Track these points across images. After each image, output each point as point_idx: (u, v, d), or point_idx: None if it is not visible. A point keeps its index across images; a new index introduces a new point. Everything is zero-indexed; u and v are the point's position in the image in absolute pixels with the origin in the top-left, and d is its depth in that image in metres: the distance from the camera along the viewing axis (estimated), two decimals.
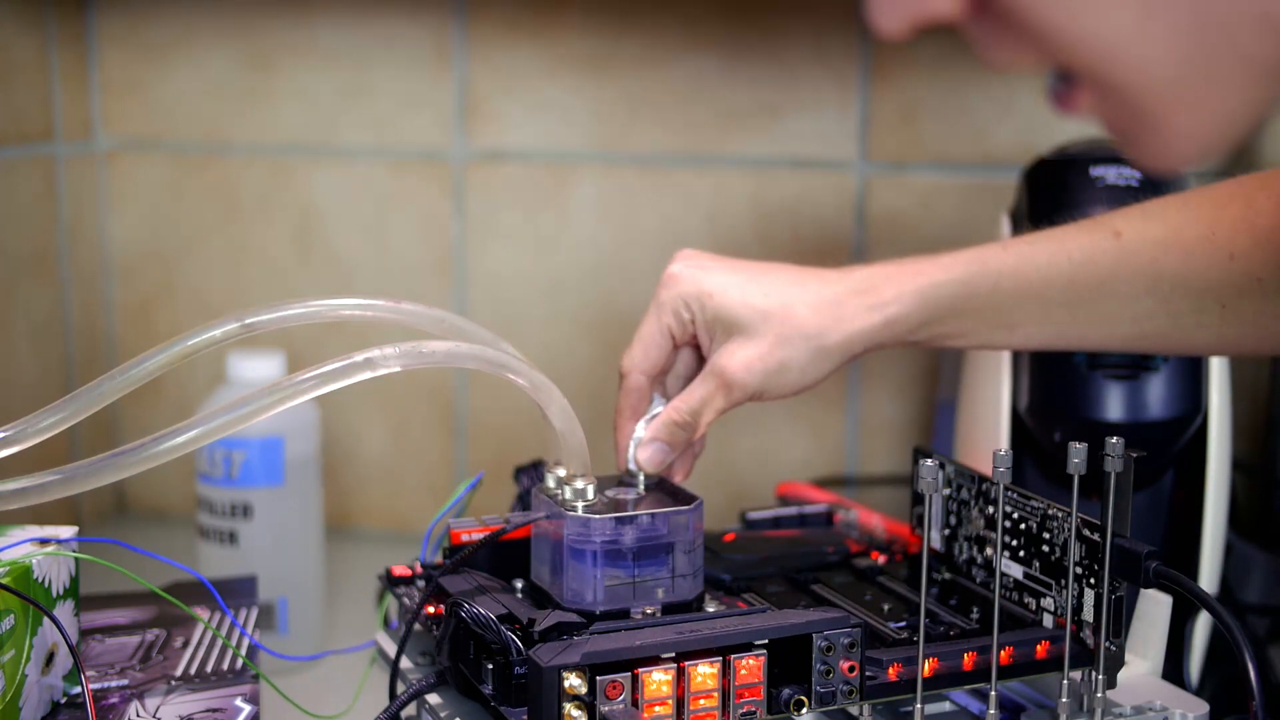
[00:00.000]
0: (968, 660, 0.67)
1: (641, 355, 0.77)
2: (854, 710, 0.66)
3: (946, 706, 0.71)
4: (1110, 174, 0.89)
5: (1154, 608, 0.72)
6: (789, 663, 0.64)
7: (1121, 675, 0.68)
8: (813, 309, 0.74)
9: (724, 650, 0.62)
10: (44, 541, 0.70)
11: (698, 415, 0.75)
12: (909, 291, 0.74)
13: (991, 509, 0.75)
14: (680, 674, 0.62)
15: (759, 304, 0.74)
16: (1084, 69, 0.46)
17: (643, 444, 0.76)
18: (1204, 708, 0.69)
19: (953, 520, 0.78)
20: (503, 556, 0.73)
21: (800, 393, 0.76)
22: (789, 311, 0.74)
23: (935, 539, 0.80)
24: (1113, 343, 0.77)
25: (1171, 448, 0.87)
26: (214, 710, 0.70)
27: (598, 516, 0.68)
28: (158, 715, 0.69)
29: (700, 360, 0.79)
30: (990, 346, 0.79)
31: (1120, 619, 0.67)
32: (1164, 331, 0.75)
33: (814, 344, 0.74)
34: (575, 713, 0.60)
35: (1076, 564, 0.68)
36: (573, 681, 0.59)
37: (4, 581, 0.65)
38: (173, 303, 1.25)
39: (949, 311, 0.75)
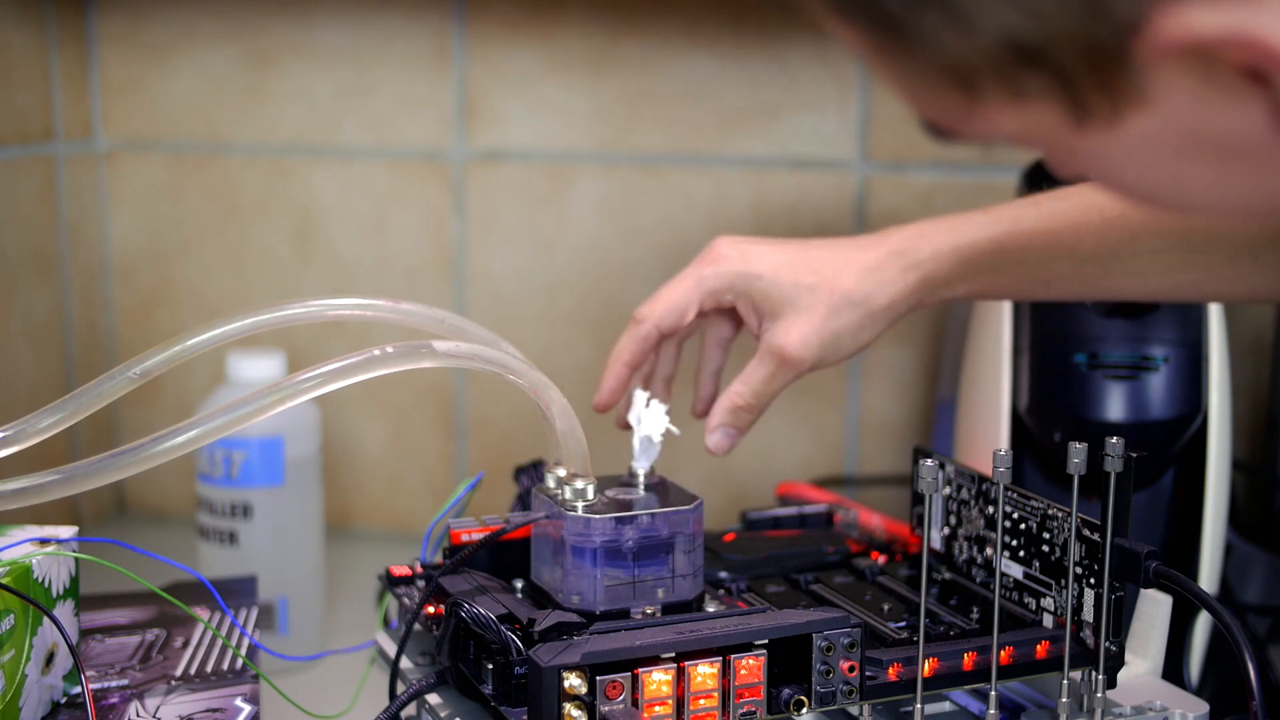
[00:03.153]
0: (968, 660, 0.67)
1: (664, 313, 0.79)
2: (854, 710, 0.66)
3: (946, 706, 0.71)
4: None
5: (1154, 608, 0.72)
6: (789, 663, 0.64)
7: (1121, 675, 0.68)
8: (857, 276, 0.76)
9: (724, 650, 0.62)
10: (44, 541, 0.69)
11: (761, 396, 0.77)
12: (945, 251, 0.76)
13: (991, 509, 0.75)
14: (680, 674, 0.62)
15: (806, 280, 0.76)
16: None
17: (709, 430, 0.77)
18: (1204, 708, 0.69)
19: (953, 520, 0.78)
20: (503, 556, 0.73)
21: (853, 356, 0.78)
22: (835, 282, 0.76)
23: (935, 539, 0.80)
24: (1146, 294, 0.78)
25: (1171, 448, 0.87)
26: (214, 710, 0.70)
27: (598, 516, 0.68)
28: (158, 715, 0.69)
29: (728, 326, 0.82)
30: (1027, 299, 0.82)
31: (1120, 619, 0.67)
32: (1197, 282, 0.76)
33: (861, 309, 0.76)
34: (575, 713, 0.60)
35: (1076, 564, 0.68)
36: (573, 681, 0.59)
37: (4, 581, 0.65)
38: (173, 303, 1.25)
39: (984, 268, 0.77)
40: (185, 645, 0.77)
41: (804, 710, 0.64)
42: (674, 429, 0.76)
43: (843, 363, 0.78)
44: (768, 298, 0.77)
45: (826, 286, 0.76)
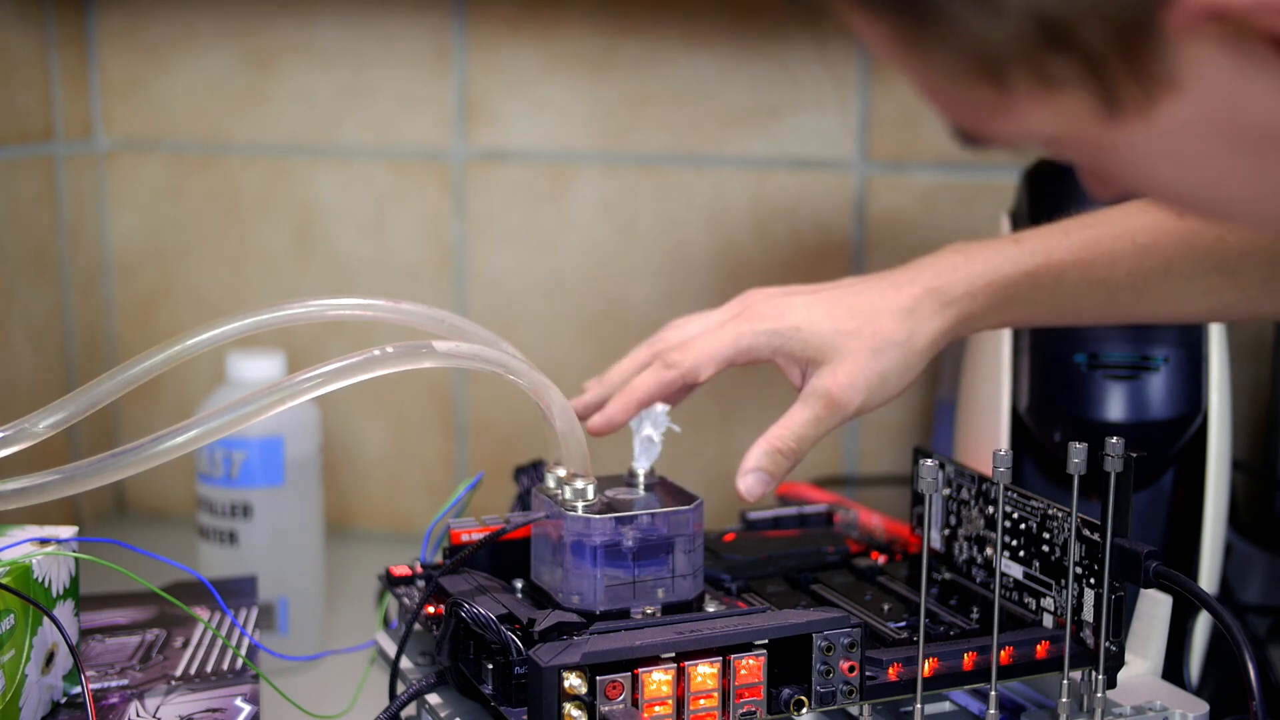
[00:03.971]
0: (968, 660, 0.67)
1: (695, 365, 0.77)
2: (854, 710, 0.66)
3: (946, 706, 0.71)
4: None
5: (1154, 608, 0.72)
6: (789, 663, 0.64)
7: (1121, 675, 0.68)
8: (896, 319, 0.76)
9: (724, 650, 0.62)
10: (44, 541, 0.69)
11: (803, 441, 0.76)
12: (979, 286, 0.76)
13: (991, 509, 0.75)
14: (680, 674, 0.62)
15: (846, 325, 0.76)
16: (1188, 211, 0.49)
17: (742, 473, 0.75)
18: (1204, 708, 0.69)
19: (953, 520, 0.78)
20: (503, 556, 0.73)
21: (897, 398, 0.77)
22: (876, 325, 0.76)
23: (935, 539, 0.80)
24: (1179, 318, 0.78)
25: (1171, 448, 0.87)
26: (214, 710, 0.70)
27: (598, 516, 0.68)
28: (158, 715, 0.69)
29: None
30: (1060, 326, 0.81)
31: (1120, 619, 0.67)
32: (1231, 303, 0.76)
33: (904, 349, 0.76)
34: (575, 713, 0.60)
35: (1076, 564, 0.68)
36: (573, 681, 0.59)
37: (4, 581, 0.65)
38: (173, 303, 1.25)
39: (1017, 301, 0.76)
40: (185, 645, 0.77)
41: (804, 710, 0.64)
42: (675, 427, 0.76)
43: (889, 403, 0.77)
44: (808, 347, 0.76)
45: (868, 330, 0.76)
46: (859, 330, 0.76)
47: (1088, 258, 0.75)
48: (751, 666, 0.63)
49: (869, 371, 0.75)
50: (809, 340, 0.76)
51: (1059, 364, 0.88)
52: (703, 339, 0.78)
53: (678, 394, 0.80)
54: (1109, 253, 0.75)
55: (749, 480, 0.75)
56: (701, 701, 0.62)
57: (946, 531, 0.79)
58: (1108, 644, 0.67)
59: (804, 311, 0.77)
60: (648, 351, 0.81)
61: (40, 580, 0.68)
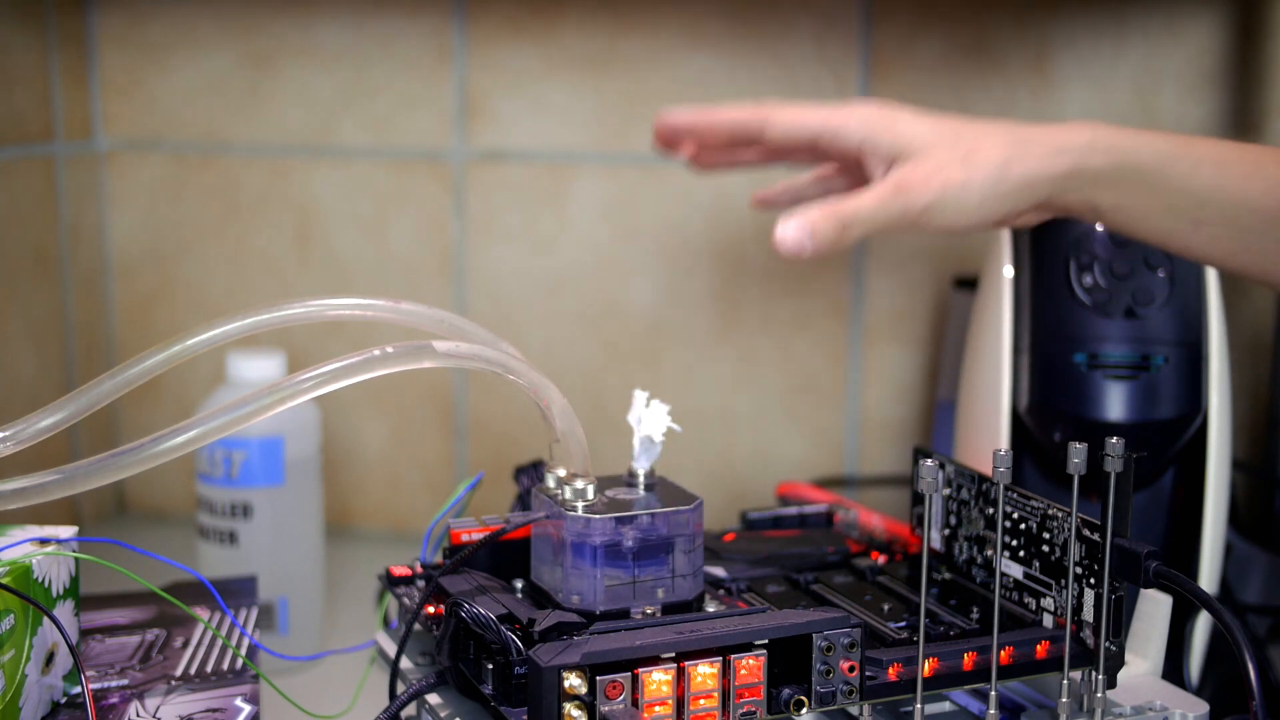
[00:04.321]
0: (968, 660, 0.67)
1: (788, 126, 0.75)
2: (854, 710, 0.66)
3: (946, 706, 0.71)
4: None
5: (1154, 608, 0.72)
6: (789, 663, 0.64)
7: (1121, 675, 0.68)
8: (1000, 142, 0.71)
9: (724, 650, 0.62)
10: (44, 541, 0.69)
11: (859, 214, 0.71)
12: (1102, 146, 0.71)
13: (991, 509, 0.75)
14: (680, 674, 0.62)
15: (946, 128, 0.72)
16: None
17: (785, 217, 0.69)
18: (1204, 708, 0.69)
19: (953, 520, 0.78)
20: (503, 556, 0.73)
21: (970, 231, 0.72)
22: (978, 140, 0.72)
23: (935, 539, 0.80)
24: None
25: (1171, 448, 0.87)
26: (214, 710, 0.70)
27: (598, 516, 0.68)
28: (158, 715, 0.69)
29: (839, 181, 0.80)
30: (1171, 241, 0.74)
31: (1120, 619, 0.67)
32: None
33: (999, 172, 0.71)
34: (575, 713, 0.60)
35: (1076, 564, 0.68)
36: (573, 681, 0.59)
37: (4, 581, 0.65)
38: (173, 303, 1.25)
39: (1139, 181, 0.71)
40: (185, 645, 0.77)
41: (804, 710, 0.64)
42: (675, 427, 0.76)
43: (957, 233, 0.72)
44: (897, 144, 0.72)
45: (968, 139, 0.71)
46: (958, 137, 0.72)
47: (1227, 161, 0.71)
48: (751, 666, 0.63)
49: (950, 174, 0.70)
50: (899, 137, 0.73)
51: (1059, 364, 0.88)
52: (801, 107, 0.76)
53: (749, 154, 0.80)
54: (1252, 164, 0.70)
55: (791, 226, 0.70)
56: (701, 701, 0.62)
57: (946, 531, 0.79)
58: (1108, 644, 0.67)
59: (907, 118, 0.74)
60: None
61: (40, 580, 0.68)
